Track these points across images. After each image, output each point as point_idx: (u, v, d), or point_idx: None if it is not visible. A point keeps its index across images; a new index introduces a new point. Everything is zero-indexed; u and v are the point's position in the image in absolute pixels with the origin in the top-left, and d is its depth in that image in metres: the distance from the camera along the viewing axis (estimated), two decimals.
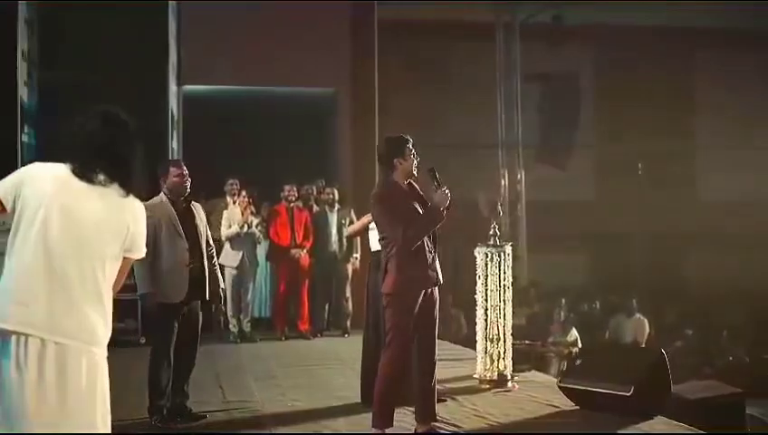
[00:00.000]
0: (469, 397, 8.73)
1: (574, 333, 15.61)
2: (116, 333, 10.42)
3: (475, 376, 9.42)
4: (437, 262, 7.01)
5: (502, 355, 9.33)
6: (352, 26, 15.42)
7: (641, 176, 18.93)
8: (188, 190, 7.86)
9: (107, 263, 3.98)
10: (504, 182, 18.63)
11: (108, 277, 4.00)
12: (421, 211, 6.88)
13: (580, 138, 19.09)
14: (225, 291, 8.44)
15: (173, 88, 14.43)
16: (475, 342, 9.58)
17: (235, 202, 13.01)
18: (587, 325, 16.60)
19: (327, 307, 13.79)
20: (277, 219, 13.22)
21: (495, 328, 9.32)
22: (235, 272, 12.87)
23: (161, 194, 7.82)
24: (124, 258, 4.09)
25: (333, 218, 13.50)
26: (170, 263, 7.57)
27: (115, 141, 4.06)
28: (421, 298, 6.82)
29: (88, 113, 4.14)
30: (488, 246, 9.37)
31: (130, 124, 4.15)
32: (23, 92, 12.64)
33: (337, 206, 13.54)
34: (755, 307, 17.64)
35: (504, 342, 9.37)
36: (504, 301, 9.36)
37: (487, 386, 9.22)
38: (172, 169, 7.79)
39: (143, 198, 4.18)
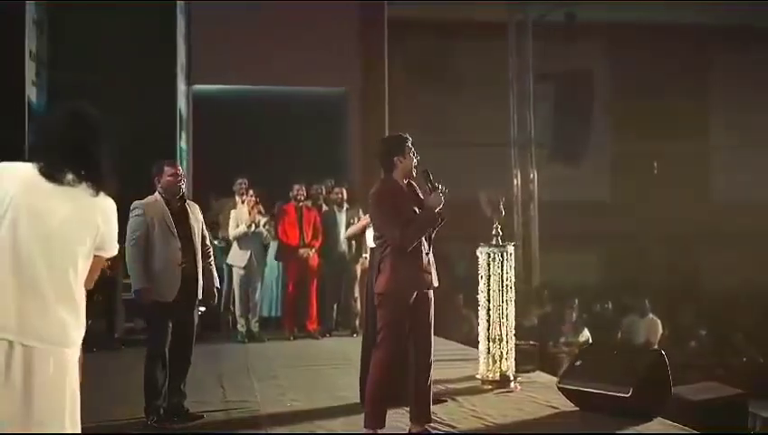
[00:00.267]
0: (470, 398, 8.68)
1: (586, 334, 15.52)
2: (124, 332, 10.51)
3: (477, 377, 9.36)
4: (433, 264, 6.96)
5: (504, 356, 9.25)
6: (362, 26, 15.41)
7: (656, 175, 18.82)
8: (183, 190, 7.84)
9: (78, 262, 3.95)
10: (517, 182, 18.57)
11: (79, 277, 3.97)
12: (416, 208, 6.85)
13: (593, 137, 18.96)
14: (219, 290, 8.38)
15: (181, 88, 14.46)
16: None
17: (243, 202, 13.00)
18: (599, 326, 16.49)
19: (336, 307, 13.74)
20: (286, 219, 13.19)
21: (498, 328, 9.24)
22: (242, 272, 12.87)
23: (156, 193, 7.82)
24: (95, 256, 4.05)
25: (342, 218, 13.45)
26: (163, 262, 7.58)
27: (83, 140, 4.01)
28: (415, 299, 6.78)
29: (57, 112, 4.11)
30: (490, 245, 9.29)
31: (100, 122, 4.10)
32: (30, 92, 12.70)
33: (346, 205, 13.50)
34: None
35: (507, 342, 9.29)
36: (506, 301, 9.28)
37: (489, 387, 9.16)
38: (166, 169, 7.79)
39: (113, 196, 4.12)
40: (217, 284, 8.23)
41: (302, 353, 11.89)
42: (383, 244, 6.84)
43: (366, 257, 13.44)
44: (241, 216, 12.79)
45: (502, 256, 9.27)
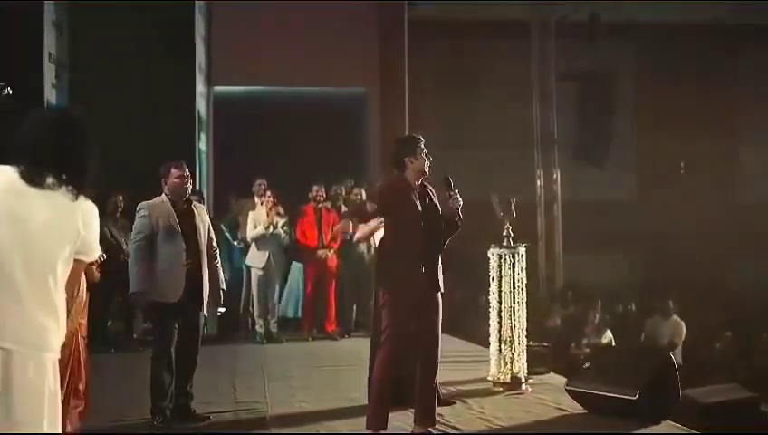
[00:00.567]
0: (480, 399, 8.66)
1: (608, 335, 15.41)
2: (143, 333, 10.51)
3: (488, 378, 9.32)
4: (439, 267, 6.94)
5: (515, 358, 9.20)
6: (382, 26, 15.39)
7: (682, 175, 18.68)
8: (189, 192, 7.85)
9: (57, 267, 3.93)
10: (540, 182, 18.48)
11: (59, 281, 3.96)
12: (424, 211, 6.84)
13: (617, 137, 18.85)
14: (225, 293, 8.40)
15: (200, 89, 14.51)
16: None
17: (261, 203, 13.03)
18: (622, 327, 16.37)
19: (355, 308, 13.73)
20: (305, 220, 13.20)
21: (509, 330, 9.20)
22: (261, 273, 12.89)
23: (162, 194, 7.85)
24: (76, 261, 4.05)
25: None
26: (167, 263, 7.62)
27: (65, 144, 4.01)
28: (420, 300, 6.77)
29: (39, 115, 4.11)
30: (501, 247, 9.25)
31: (82, 126, 4.10)
32: (50, 94, 12.78)
33: None
34: None
35: (519, 344, 9.24)
36: (517, 303, 9.23)
37: (500, 389, 9.13)
38: (173, 171, 7.81)
39: (94, 200, 4.12)
40: (223, 286, 8.23)
41: (320, 354, 11.90)
42: (385, 242, 6.87)
43: None
44: (259, 217, 12.81)
45: (513, 257, 9.23)
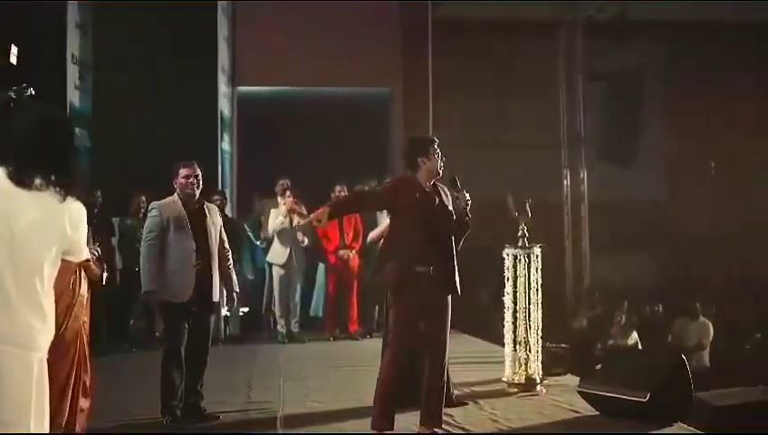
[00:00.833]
0: (493, 401, 8.62)
1: (635, 337, 15.30)
2: (162, 332, 10.44)
3: (503, 379, 9.28)
4: (455, 268, 6.90)
5: (530, 359, 9.16)
6: (406, 26, 15.37)
7: (711, 175, 18.49)
8: (196, 192, 7.86)
9: (44, 268, 3.95)
10: (567, 182, 18.37)
11: (46, 282, 3.97)
12: (432, 212, 6.82)
13: (645, 136, 18.69)
14: (239, 294, 8.43)
15: (223, 89, 14.56)
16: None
17: (284, 203, 13.06)
18: (649, 329, 16.25)
19: (377, 308, 13.71)
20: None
21: (524, 331, 9.16)
22: (282, 272, 12.93)
23: (175, 194, 7.88)
24: (65, 261, 4.07)
25: (385, 219, 13.39)
26: (177, 263, 7.66)
27: (53, 144, 4.03)
28: (429, 301, 6.74)
29: (27, 115, 4.13)
30: (516, 247, 9.21)
31: (70, 127, 4.12)
32: (73, 95, 12.87)
33: None
34: None
35: (535, 345, 9.19)
36: (532, 303, 9.18)
37: (515, 390, 9.08)
38: (181, 171, 7.85)
39: (82, 200, 4.14)
40: (236, 288, 8.26)
41: (339, 355, 11.90)
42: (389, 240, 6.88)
43: None
44: (280, 214, 12.85)
45: (528, 257, 9.18)
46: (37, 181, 3.92)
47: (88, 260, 6.30)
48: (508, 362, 9.26)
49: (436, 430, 6.91)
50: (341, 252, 13.15)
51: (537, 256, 9.23)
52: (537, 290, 9.22)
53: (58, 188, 3.95)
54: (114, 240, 12.24)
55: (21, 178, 3.90)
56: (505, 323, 9.30)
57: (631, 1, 17.21)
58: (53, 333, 4.06)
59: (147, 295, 7.84)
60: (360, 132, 15.48)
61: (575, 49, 18.29)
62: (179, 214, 7.76)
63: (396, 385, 6.77)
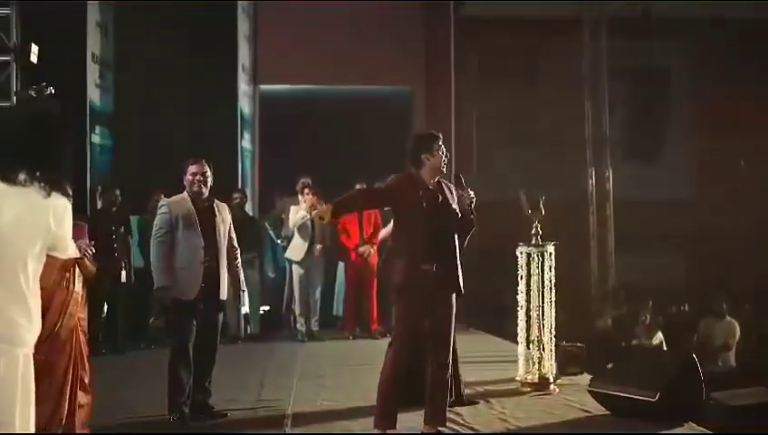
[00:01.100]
0: (504, 400, 8.56)
1: (659, 336, 15.16)
2: None
3: (516, 379, 9.21)
4: (458, 267, 6.85)
5: (544, 358, 9.09)
6: (428, 24, 15.32)
7: (740, 174, 18.29)
8: (205, 190, 7.85)
9: (28, 263, 3.95)
10: (592, 181, 18.25)
11: (31, 277, 3.97)
12: (435, 209, 6.77)
13: (671, 135, 18.55)
14: (245, 293, 8.43)
15: (243, 88, 14.58)
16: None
17: (305, 201, 13.06)
18: (675, 328, 16.09)
19: None
20: (346, 218, 13.17)
21: (537, 330, 9.09)
22: (302, 270, 12.92)
23: (185, 191, 7.89)
24: (50, 257, 4.06)
25: None
26: (186, 260, 7.66)
27: (38, 141, 4.03)
28: (433, 300, 6.69)
29: (11, 112, 4.14)
30: (530, 245, 9.13)
31: (56, 123, 4.12)
32: (93, 94, 12.93)
33: None
34: None
35: (548, 344, 9.12)
36: (546, 302, 9.10)
37: (528, 389, 9.02)
38: (189, 168, 7.85)
39: (68, 196, 4.14)
40: (244, 286, 8.26)
41: (357, 353, 11.85)
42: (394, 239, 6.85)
43: None
44: (300, 210, 12.86)
45: (542, 256, 9.10)
46: (22, 177, 3.93)
47: (82, 257, 6.33)
48: (521, 362, 9.20)
49: (440, 429, 6.86)
50: (362, 249, 13.12)
51: (551, 255, 9.15)
52: (551, 289, 9.13)
53: (43, 184, 3.96)
54: (133, 239, 12.27)
55: (5, 174, 3.91)
56: (519, 321, 9.23)
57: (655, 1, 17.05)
58: (40, 329, 4.06)
59: (160, 291, 7.83)
60: (382, 131, 15.41)
61: (600, 47, 18.15)
62: (188, 211, 7.76)
63: (398, 385, 6.73)
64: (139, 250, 12.18)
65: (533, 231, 9.17)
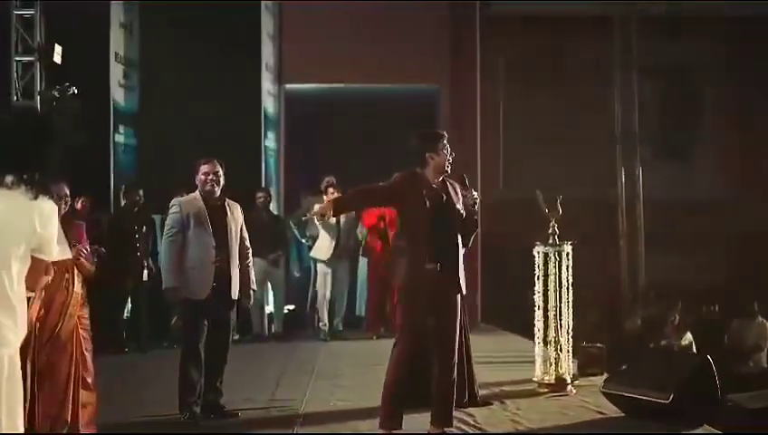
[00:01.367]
0: (519, 401, 8.49)
1: (689, 337, 15.01)
2: None
3: (534, 380, 9.13)
4: (460, 267, 6.78)
5: (561, 359, 9.00)
6: (453, 23, 15.23)
7: None
8: (216, 190, 7.84)
9: (12, 265, 3.96)
10: (622, 180, 18.08)
11: (15, 278, 3.98)
12: (438, 209, 6.72)
13: (704, 134, 18.34)
14: (255, 292, 8.41)
15: (268, 87, 14.58)
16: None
17: (329, 199, 13.02)
18: (705, 329, 15.91)
19: None
20: (369, 217, 13.16)
21: (554, 331, 9.00)
22: (326, 268, 12.89)
23: (197, 191, 7.89)
24: (36, 259, 4.06)
25: None
26: (197, 259, 7.66)
27: (24, 144, 4.04)
28: (438, 300, 6.64)
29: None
30: (547, 245, 9.04)
31: (44, 125, 4.13)
32: (117, 93, 12.99)
33: None
34: None
35: (566, 344, 9.03)
36: (563, 302, 9.01)
37: (545, 390, 8.93)
38: (201, 168, 7.85)
39: (53, 198, 4.14)
40: (254, 286, 8.23)
41: (379, 353, 11.63)
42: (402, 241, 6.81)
43: None
44: None
45: (559, 255, 9.01)
46: (8, 180, 3.95)
47: (77, 258, 6.36)
48: (538, 362, 9.11)
49: (446, 429, 6.81)
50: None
51: (568, 254, 9.05)
52: (568, 289, 9.04)
53: (30, 187, 3.97)
54: (157, 238, 12.31)
55: None
56: (536, 322, 9.15)
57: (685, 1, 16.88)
58: (25, 330, 4.07)
59: (168, 292, 7.85)
60: (408, 130, 15.31)
61: (630, 44, 17.98)
62: (200, 211, 7.76)
63: (403, 385, 6.70)
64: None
65: (550, 231, 9.09)
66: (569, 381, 9.02)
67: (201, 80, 13.70)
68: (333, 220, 12.73)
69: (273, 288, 13.45)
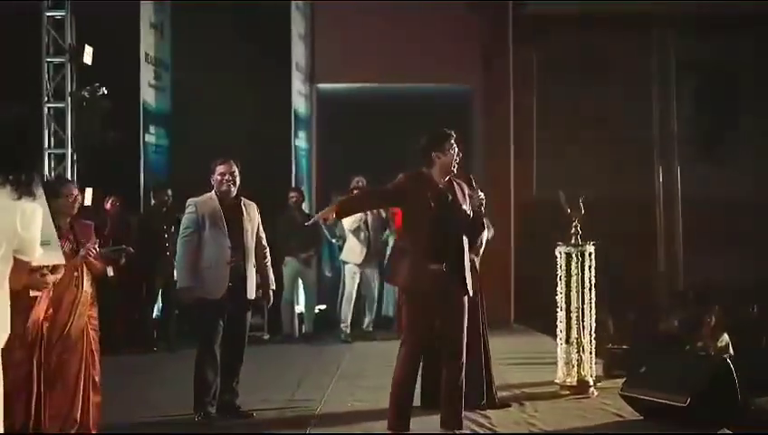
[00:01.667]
0: (539, 403, 8.41)
1: (725, 338, 14.76)
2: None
3: (556, 381, 9.03)
4: (466, 267, 6.70)
5: (584, 360, 8.89)
6: (486, 22, 15.13)
7: None
8: (233, 190, 7.83)
9: None
10: (660, 179, 17.86)
11: None
12: (444, 209, 6.65)
13: (744, 133, 18.06)
14: (275, 292, 8.40)
15: (298, 87, 14.57)
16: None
17: None
18: (743, 330, 15.67)
19: None
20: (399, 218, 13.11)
21: (576, 332, 8.89)
22: (356, 270, 12.85)
23: (212, 191, 7.89)
24: (18, 260, 4.06)
25: None
26: (212, 260, 7.66)
27: (6, 144, 4.04)
28: (443, 301, 6.57)
29: None
30: (569, 245, 8.94)
31: (25, 126, 4.12)
32: (147, 94, 13.04)
33: None
34: None
35: (586, 346, 8.92)
36: (586, 303, 8.91)
37: (567, 392, 8.83)
38: (218, 168, 7.85)
39: (36, 199, 4.13)
40: (273, 285, 8.20)
41: None
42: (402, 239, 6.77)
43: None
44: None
45: (581, 256, 8.90)
46: None
47: (87, 257, 6.38)
48: (561, 364, 9.01)
49: (456, 431, 6.74)
50: None
51: (590, 255, 8.95)
52: (590, 289, 8.93)
53: (13, 187, 3.96)
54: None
55: None
56: (558, 323, 9.05)
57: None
58: (8, 330, 4.07)
59: (182, 292, 7.88)
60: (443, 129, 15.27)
61: (667, 43, 17.75)
62: (215, 211, 7.76)
63: (410, 385, 6.66)
64: None
65: (573, 230, 8.98)
66: (591, 383, 8.90)
67: (233, 80, 13.74)
68: (363, 224, 12.70)
69: (304, 288, 13.42)
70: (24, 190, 3.99)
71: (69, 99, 12.16)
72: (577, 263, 8.90)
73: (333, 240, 13.80)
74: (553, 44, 16.91)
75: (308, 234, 12.95)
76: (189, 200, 7.97)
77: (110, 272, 9.81)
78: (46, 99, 12.23)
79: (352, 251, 12.93)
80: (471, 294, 6.70)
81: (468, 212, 6.68)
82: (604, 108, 17.07)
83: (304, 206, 13.68)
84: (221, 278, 7.65)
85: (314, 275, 13.46)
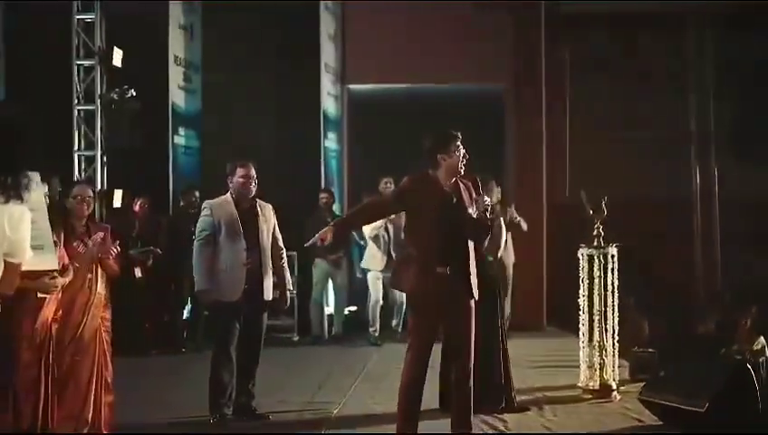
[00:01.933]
0: (558, 407, 8.33)
1: (761, 341, 14.52)
2: (271, 330, 10.53)
3: (579, 385, 8.94)
4: (471, 271, 6.61)
5: (606, 364, 8.79)
6: (519, 22, 15.02)
7: None
8: (252, 192, 7.84)
9: None
10: (696, 179, 17.63)
11: None
12: (449, 211, 6.57)
13: None
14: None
15: (328, 88, 14.55)
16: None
17: None
18: None
19: None
20: None
21: (599, 335, 8.79)
22: (379, 274, 12.79)
23: (228, 193, 7.89)
24: (7, 262, 4.08)
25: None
26: (228, 262, 7.68)
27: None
28: (448, 305, 6.49)
29: None
30: (591, 247, 8.84)
31: (14, 129, 4.13)
32: (176, 96, 13.09)
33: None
34: None
35: (609, 350, 8.82)
36: (608, 306, 8.80)
37: (589, 396, 8.74)
38: (238, 170, 7.85)
39: (24, 202, 4.14)
40: (290, 286, 8.20)
41: (433, 356, 11.65)
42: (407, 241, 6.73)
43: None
44: None
45: (604, 258, 8.79)
46: None
47: (107, 258, 6.42)
48: (583, 368, 8.93)
49: (465, 433, 6.66)
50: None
51: (613, 257, 8.84)
52: (613, 292, 8.82)
53: (1, 191, 3.98)
54: None
55: None
56: (580, 326, 8.95)
57: None
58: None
59: (200, 294, 7.91)
60: (473, 130, 15.14)
61: (704, 41, 17.52)
62: (231, 213, 7.78)
63: (417, 389, 6.58)
64: None
65: (595, 232, 8.88)
66: (614, 386, 8.80)
67: (262, 81, 13.77)
68: (384, 230, 12.63)
69: (334, 289, 13.38)
70: (11, 193, 4.00)
71: (98, 101, 12.27)
72: (599, 265, 8.79)
73: (362, 242, 13.75)
74: (587, 44, 16.75)
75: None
76: (205, 203, 8.00)
77: (138, 273, 9.87)
78: (76, 101, 12.35)
79: (373, 258, 12.89)
80: (476, 298, 6.60)
81: (474, 215, 6.57)
82: (638, 107, 16.88)
83: (335, 207, 13.65)
84: (237, 281, 7.66)
85: (344, 277, 13.41)
